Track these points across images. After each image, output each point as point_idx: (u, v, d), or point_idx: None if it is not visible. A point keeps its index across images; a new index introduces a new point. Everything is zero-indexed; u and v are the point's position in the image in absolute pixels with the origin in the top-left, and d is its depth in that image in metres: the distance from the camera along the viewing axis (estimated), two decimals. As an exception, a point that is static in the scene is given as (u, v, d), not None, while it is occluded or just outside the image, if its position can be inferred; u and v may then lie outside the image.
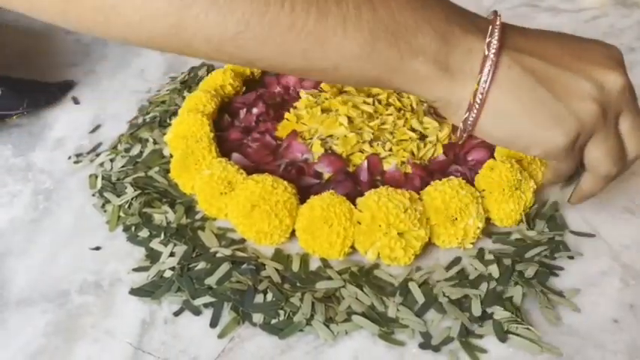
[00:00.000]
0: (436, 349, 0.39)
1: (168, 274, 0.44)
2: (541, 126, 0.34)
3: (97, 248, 0.47)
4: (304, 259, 0.45)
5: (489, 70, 0.32)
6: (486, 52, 0.32)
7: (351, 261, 0.45)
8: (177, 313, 0.41)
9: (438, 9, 0.33)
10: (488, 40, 0.33)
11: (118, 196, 0.50)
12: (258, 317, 0.41)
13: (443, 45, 0.32)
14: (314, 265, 0.45)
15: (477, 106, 0.33)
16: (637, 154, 0.37)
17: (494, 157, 0.51)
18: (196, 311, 0.41)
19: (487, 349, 0.39)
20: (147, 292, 0.43)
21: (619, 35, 0.77)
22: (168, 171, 0.53)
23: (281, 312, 0.41)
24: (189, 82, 0.67)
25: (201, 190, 0.49)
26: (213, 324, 0.41)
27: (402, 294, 0.42)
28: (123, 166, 0.54)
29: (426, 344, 0.39)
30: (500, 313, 0.40)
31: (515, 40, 0.34)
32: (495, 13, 0.35)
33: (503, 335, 0.39)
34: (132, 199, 0.49)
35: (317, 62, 0.32)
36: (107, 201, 0.50)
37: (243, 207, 0.46)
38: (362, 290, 0.42)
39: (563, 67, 0.34)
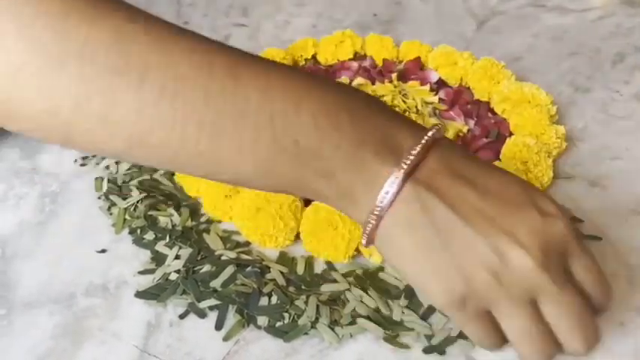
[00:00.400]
0: (440, 351, 0.39)
1: (173, 276, 0.44)
2: (426, 274, 0.30)
3: (103, 251, 0.47)
4: (309, 261, 0.45)
5: (388, 200, 0.29)
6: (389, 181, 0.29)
7: (357, 264, 0.45)
8: (182, 316, 0.42)
9: (350, 129, 0.29)
10: (395, 169, 0.29)
11: (124, 198, 0.50)
12: (263, 320, 0.41)
13: (347, 171, 0.29)
14: (319, 267, 0.45)
15: (369, 228, 0.30)
16: (575, 348, 0.30)
17: (499, 159, 0.51)
18: (201, 314, 0.42)
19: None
20: (152, 294, 0.43)
21: (626, 35, 0.77)
22: (173, 174, 0.53)
23: (286, 315, 0.41)
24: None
25: (207, 193, 0.49)
26: (218, 327, 0.41)
27: (407, 297, 0.42)
28: (128, 169, 0.54)
29: (430, 348, 0.39)
30: None
31: (430, 174, 0.29)
32: (436, 129, 0.30)
33: None
34: (137, 201, 0.50)
35: (217, 176, 0.32)
36: (113, 204, 0.50)
37: (248, 210, 0.46)
38: (367, 293, 0.42)
39: (471, 223, 0.28)
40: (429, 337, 0.40)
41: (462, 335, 0.39)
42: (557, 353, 0.31)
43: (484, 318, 0.30)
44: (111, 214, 0.50)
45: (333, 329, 0.40)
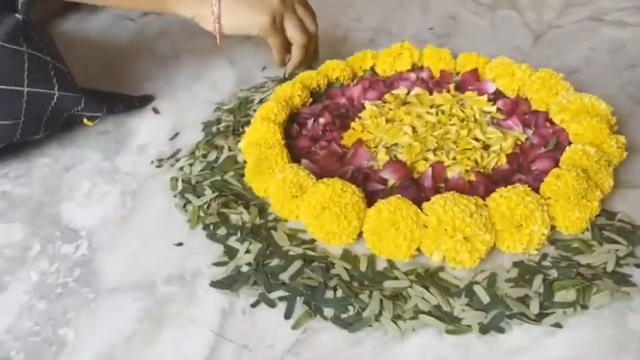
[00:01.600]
0: (499, 329, 0.41)
1: (245, 269, 0.47)
2: (254, 12, 0.61)
3: (180, 244, 0.51)
4: (371, 259, 0.48)
5: None
6: None
7: (417, 263, 0.47)
8: (254, 305, 0.44)
9: None
10: None
11: (198, 197, 0.54)
12: (329, 312, 0.43)
13: None
14: (380, 265, 0.47)
15: (215, 12, 0.60)
16: (311, 28, 0.67)
17: (559, 167, 0.52)
18: (271, 304, 0.44)
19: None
20: (226, 284, 0.46)
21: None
22: (242, 175, 0.57)
23: (350, 307, 0.43)
24: (259, 94, 0.72)
25: (274, 193, 0.52)
26: (287, 316, 0.43)
27: (468, 295, 0.43)
28: (201, 171, 0.58)
29: (485, 327, 0.41)
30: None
31: None
32: None
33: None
34: (210, 200, 0.53)
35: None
36: (188, 202, 0.54)
37: (314, 209, 0.49)
38: (428, 290, 0.44)
39: None
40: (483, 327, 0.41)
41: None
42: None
43: (281, 30, 0.64)
44: (186, 211, 0.54)
45: (396, 323, 0.42)
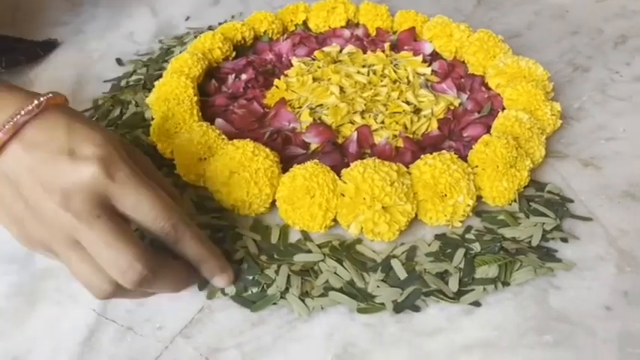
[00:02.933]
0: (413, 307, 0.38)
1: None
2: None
3: None
4: (284, 230, 0.43)
5: None
6: None
7: (333, 235, 0.43)
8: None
9: None
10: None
11: None
12: (230, 288, 0.39)
13: None
14: (294, 237, 0.43)
15: None
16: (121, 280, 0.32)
17: (490, 134, 0.49)
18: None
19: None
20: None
21: (630, 17, 0.74)
22: (148, 134, 0.51)
23: (255, 284, 0.39)
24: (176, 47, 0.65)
25: (179, 155, 0.46)
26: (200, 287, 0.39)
27: (384, 270, 0.40)
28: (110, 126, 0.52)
29: (399, 306, 0.38)
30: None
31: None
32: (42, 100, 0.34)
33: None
34: None
35: None
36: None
37: (222, 173, 0.43)
38: (342, 265, 0.40)
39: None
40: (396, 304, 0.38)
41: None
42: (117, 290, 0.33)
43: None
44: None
45: (303, 300, 0.38)
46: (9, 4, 0.74)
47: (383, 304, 0.38)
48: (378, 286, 0.39)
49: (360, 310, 0.37)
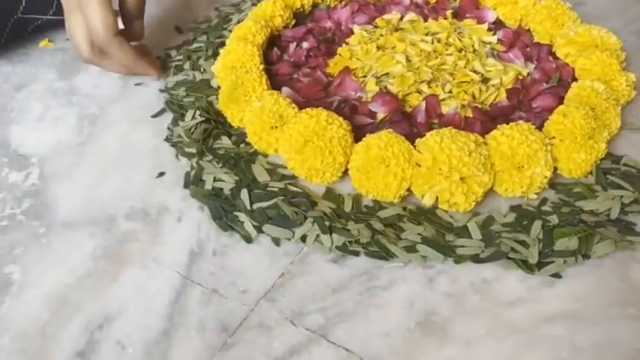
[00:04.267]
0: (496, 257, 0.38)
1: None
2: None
3: (162, 174, 0.46)
4: (357, 199, 0.43)
5: None
6: None
7: (406, 203, 0.43)
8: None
9: None
10: None
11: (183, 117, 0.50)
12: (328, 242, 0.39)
13: None
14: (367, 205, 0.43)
15: None
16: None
17: (563, 104, 0.48)
18: (248, 238, 0.40)
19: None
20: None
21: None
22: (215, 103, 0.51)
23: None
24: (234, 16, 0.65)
25: (251, 123, 0.47)
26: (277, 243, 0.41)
27: (463, 235, 0.40)
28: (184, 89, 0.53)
29: (478, 258, 0.39)
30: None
31: None
32: None
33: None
34: (196, 125, 0.49)
35: None
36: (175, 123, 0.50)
37: (296, 142, 0.44)
38: (422, 226, 0.40)
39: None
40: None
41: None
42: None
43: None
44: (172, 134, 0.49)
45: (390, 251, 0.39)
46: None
47: (469, 255, 0.38)
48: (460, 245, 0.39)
49: (457, 260, 0.39)
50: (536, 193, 0.43)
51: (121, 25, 0.52)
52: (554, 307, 0.36)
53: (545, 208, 0.42)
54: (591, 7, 0.66)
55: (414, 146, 0.43)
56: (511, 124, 0.43)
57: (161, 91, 0.54)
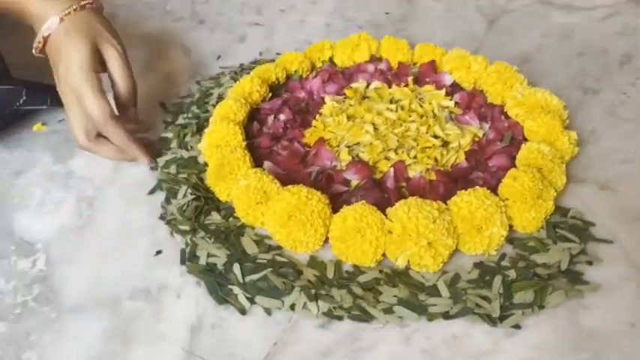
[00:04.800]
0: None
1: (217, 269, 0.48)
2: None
3: (159, 252, 0.50)
4: (338, 265, 0.48)
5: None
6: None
7: (383, 267, 0.48)
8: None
9: None
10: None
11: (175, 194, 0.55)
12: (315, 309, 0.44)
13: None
14: (347, 270, 0.48)
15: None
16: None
17: (514, 164, 0.54)
18: (242, 310, 0.45)
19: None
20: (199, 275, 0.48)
21: (632, 34, 0.79)
22: (203, 180, 0.56)
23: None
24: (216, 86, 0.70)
25: (239, 200, 0.51)
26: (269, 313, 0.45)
27: (433, 294, 0.45)
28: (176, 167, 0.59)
29: (447, 315, 0.44)
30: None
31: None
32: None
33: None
34: (188, 203, 0.53)
35: None
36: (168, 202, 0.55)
37: (280, 217, 0.48)
38: (396, 287, 0.45)
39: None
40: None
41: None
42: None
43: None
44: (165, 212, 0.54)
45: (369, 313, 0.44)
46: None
47: (440, 313, 0.43)
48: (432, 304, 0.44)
49: (429, 317, 0.44)
50: (495, 250, 0.48)
51: (116, 112, 0.57)
52: (516, 356, 0.41)
53: (504, 263, 0.48)
54: (537, 64, 0.74)
55: (385, 213, 0.49)
56: (469, 189, 0.49)
57: (151, 169, 0.59)
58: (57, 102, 0.66)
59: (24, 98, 0.61)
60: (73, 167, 0.60)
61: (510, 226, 0.50)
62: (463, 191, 0.49)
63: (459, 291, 0.45)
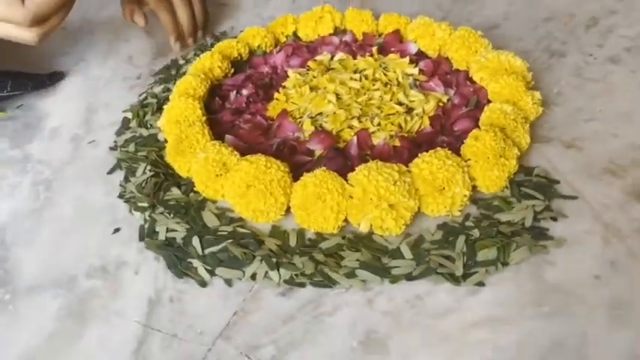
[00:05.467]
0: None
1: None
2: None
3: (117, 230, 0.49)
4: (300, 233, 0.47)
5: None
6: None
7: (346, 232, 0.47)
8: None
9: None
10: None
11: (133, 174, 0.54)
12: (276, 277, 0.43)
13: None
14: (310, 238, 0.47)
15: None
16: None
17: (479, 127, 0.53)
18: (202, 283, 0.44)
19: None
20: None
21: (600, -2, 0.78)
22: (162, 156, 0.55)
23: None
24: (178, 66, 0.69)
25: (198, 174, 0.50)
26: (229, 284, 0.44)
27: (396, 256, 0.44)
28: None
29: (410, 276, 0.43)
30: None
31: None
32: None
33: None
34: (146, 179, 0.52)
35: None
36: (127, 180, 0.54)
37: (239, 187, 0.47)
38: (359, 252, 0.45)
39: None
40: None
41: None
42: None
43: None
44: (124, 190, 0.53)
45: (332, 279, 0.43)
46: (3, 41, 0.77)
47: (402, 275, 0.43)
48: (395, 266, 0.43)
49: (392, 280, 0.43)
50: (459, 211, 0.48)
51: None
52: (480, 313, 0.41)
53: (468, 223, 0.47)
54: (505, 30, 0.73)
55: (347, 180, 0.48)
56: (430, 151, 0.48)
57: (111, 149, 0.57)
58: (17, 88, 0.65)
59: (8, 89, 0.60)
60: (31, 152, 0.58)
61: (474, 187, 0.49)
62: (424, 153, 0.48)
63: (422, 252, 0.44)
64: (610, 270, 0.43)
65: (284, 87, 0.62)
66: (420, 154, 0.49)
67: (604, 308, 0.40)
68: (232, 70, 0.65)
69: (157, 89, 0.65)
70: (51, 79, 0.69)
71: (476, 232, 0.45)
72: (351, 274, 0.43)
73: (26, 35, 0.51)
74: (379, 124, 0.56)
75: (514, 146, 0.50)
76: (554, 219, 0.47)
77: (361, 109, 0.57)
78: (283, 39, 0.71)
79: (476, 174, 0.48)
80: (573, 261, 0.44)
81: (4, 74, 0.64)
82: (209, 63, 0.63)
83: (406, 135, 0.55)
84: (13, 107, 0.65)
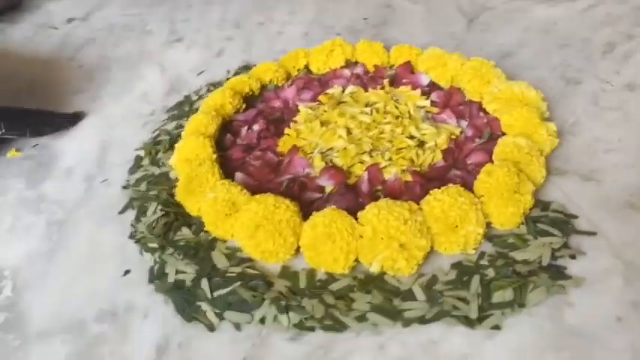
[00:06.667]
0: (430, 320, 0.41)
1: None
2: None
3: (127, 272, 0.49)
4: (310, 273, 0.46)
5: None
6: None
7: (357, 272, 0.46)
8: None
9: None
10: None
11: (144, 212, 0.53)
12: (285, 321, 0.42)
13: None
14: (321, 279, 0.46)
15: None
16: None
17: (492, 160, 0.52)
18: (211, 327, 0.43)
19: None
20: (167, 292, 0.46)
21: (616, 23, 0.77)
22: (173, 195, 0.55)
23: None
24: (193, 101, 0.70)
25: (207, 213, 0.50)
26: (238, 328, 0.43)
27: (408, 298, 0.43)
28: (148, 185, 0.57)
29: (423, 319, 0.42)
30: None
31: None
32: None
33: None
34: (157, 219, 0.52)
35: None
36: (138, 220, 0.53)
37: (248, 228, 0.47)
38: (370, 294, 0.43)
39: None
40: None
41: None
42: None
43: None
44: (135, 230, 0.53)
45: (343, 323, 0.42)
46: (25, 78, 0.79)
47: (415, 318, 0.41)
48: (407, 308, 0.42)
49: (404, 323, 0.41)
50: (474, 249, 0.46)
51: None
52: (497, 359, 0.39)
53: (482, 262, 0.46)
54: (519, 58, 0.72)
55: (357, 218, 0.47)
56: (442, 187, 0.47)
57: (124, 187, 0.58)
58: (35, 132, 0.66)
59: (2, 131, 0.61)
60: (45, 192, 0.59)
61: (489, 224, 0.48)
62: (436, 190, 0.47)
63: (435, 294, 0.43)
64: (632, 311, 0.41)
65: (295, 122, 0.62)
66: (431, 191, 0.48)
67: (627, 353, 0.38)
68: (244, 106, 0.65)
69: (170, 126, 0.65)
70: (71, 122, 0.69)
71: (491, 272, 0.44)
72: (362, 318, 0.42)
73: None
74: (390, 159, 0.55)
75: (529, 181, 0.49)
76: (573, 257, 0.45)
77: (372, 144, 0.56)
78: (295, 73, 0.71)
79: (490, 210, 0.47)
80: (594, 302, 0.42)
81: (24, 118, 0.65)
82: (221, 99, 0.63)
83: (418, 169, 0.54)
84: (29, 146, 0.66)
